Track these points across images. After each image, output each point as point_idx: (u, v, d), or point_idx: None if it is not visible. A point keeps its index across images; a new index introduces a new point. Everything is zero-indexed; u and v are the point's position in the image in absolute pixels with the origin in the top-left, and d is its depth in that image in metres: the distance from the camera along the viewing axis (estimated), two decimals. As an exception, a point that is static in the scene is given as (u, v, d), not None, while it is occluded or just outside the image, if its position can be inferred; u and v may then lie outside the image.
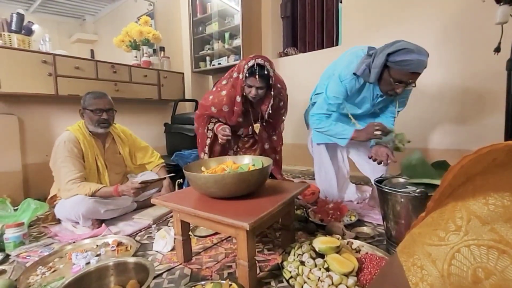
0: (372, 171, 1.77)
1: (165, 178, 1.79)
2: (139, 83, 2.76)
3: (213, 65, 3.19)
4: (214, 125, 1.78)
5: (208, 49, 3.34)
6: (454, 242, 0.34)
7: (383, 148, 1.50)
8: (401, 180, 1.19)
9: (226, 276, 1.03)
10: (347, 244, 1.10)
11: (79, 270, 1.03)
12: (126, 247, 1.26)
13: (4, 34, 2.10)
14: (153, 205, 1.73)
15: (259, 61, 1.51)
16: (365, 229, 1.37)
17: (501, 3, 1.40)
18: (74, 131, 1.60)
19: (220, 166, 1.22)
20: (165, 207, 1.60)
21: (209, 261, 1.14)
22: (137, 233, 1.46)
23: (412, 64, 1.28)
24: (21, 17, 2.17)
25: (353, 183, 1.94)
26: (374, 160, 1.51)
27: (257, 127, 1.74)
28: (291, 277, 0.94)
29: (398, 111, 1.65)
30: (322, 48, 2.96)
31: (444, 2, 2.04)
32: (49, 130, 2.30)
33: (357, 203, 1.80)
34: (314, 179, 1.96)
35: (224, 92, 1.65)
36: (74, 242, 1.33)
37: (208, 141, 1.80)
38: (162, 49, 3.25)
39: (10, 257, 1.23)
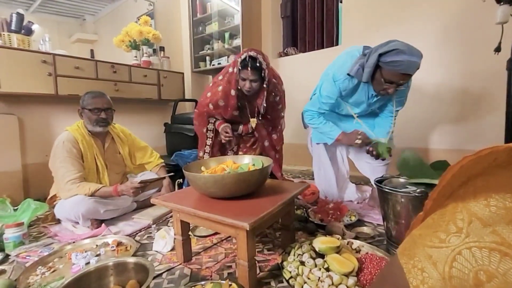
0: (372, 171, 1.77)
1: (164, 177, 1.79)
2: (139, 83, 2.76)
3: (213, 65, 3.19)
4: (213, 125, 1.79)
5: (208, 49, 3.34)
6: (455, 244, 0.34)
7: (355, 131, 1.56)
8: (401, 180, 1.19)
9: (226, 276, 1.03)
10: (347, 244, 1.10)
11: (79, 270, 1.03)
12: (126, 247, 1.26)
13: (4, 34, 2.10)
14: (153, 205, 1.73)
15: (251, 53, 1.53)
16: (365, 229, 1.36)
17: (501, 3, 1.40)
18: (73, 131, 1.60)
19: (220, 166, 1.22)
20: (165, 207, 1.60)
21: (209, 261, 1.14)
22: (137, 233, 1.46)
23: (403, 65, 1.28)
24: (21, 17, 2.17)
25: (353, 183, 1.94)
26: (361, 145, 1.57)
27: (253, 121, 1.76)
28: (291, 277, 0.94)
29: (397, 111, 1.65)
30: (322, 48, 2.95)
31: (444, 2, 2.03)
32: (49, 130, 2.30)
33: (357, 203, 1.79)
34: (314, 179, 1.96)
35: (220, 88, 1.68)
36: (73, 242, 1.33)
37: (209, 141, 1.80)
38: (162, 49, 3.24)
39: (9, 257, 1.23)
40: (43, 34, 2.38)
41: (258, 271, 1.04)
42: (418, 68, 1.32)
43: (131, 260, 0.96)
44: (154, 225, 1.53)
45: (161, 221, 1.61)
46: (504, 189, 0.33)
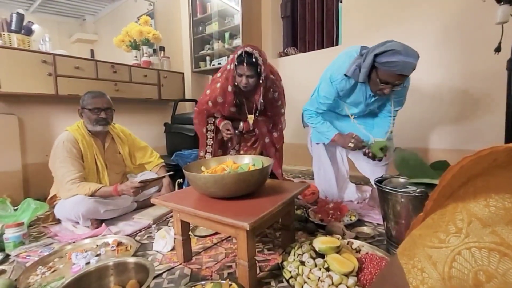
0: (372, 171, 1.77)
1: (164, 177, 1.79)
2: (139, 83, 2.76)
3: (213, 65, 3.19)
4: (213, 125, 1.79)
5: (208, 49, 3.34)
6: (455, 244, 0.34)
7: (349, 134, 1.57)
8: (401, 180, 1.19)
9: (226, 276, 1.03)
10: (347, 244, 1.10)
11: (79, 270, 1.03)
12: (126, 247, 1.26)
13: (4, 34, 2.10)
14: (153, 205, 1.73)
15: (247, 49, 1.53)
16: (365, 229, 1.36)
17: (502, 3, 1.40)
18: (72, 131, 1.60)
19: (220, 166, 1.22)
20: (165, 207, 1.60)
21: (209, 261, 1.14)
22: (137, 233, 1.46)
23: (398, 66, 1.28)
24: (21, 17, 2.17)
25: (353, 183, 1.94)
26: (354, 149, 1.58)
27: (250, 118, 1.76)
28: (291, 277, 0.94)
29: (396, 110, 1.65)
30: (322, 48, 2.95)
31: (444, 2, 2.03)
32: (49, 130, 2.30)
33: (357, 203, 1.79)
34: (314, 179, 1.96)
35: (218, 84, 1.69)
36: (74, 242, 1.33)
37: (210, 142, 1.81)
38: (162, 49, 3.24)
39: (10, 257, 1.23)
40: (43, 34, 2.38)
41: (258, 271, 1.04)
42: (414, 69, 1.32)
43: (131, 260, 0.96)
44: (154, 225, 1.53)
45: (161, 221, 1.61)
46: (503, 190, 0.33)
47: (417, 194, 0.99)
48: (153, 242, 1.29)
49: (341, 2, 2.73)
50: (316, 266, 0.93)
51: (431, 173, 1.06)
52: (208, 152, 1.84)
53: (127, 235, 1.39)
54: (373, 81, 1.43)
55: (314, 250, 1.00)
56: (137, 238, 1.40)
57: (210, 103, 1.73)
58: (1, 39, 2.09)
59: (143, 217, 1.61)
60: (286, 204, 1.05)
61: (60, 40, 3.61)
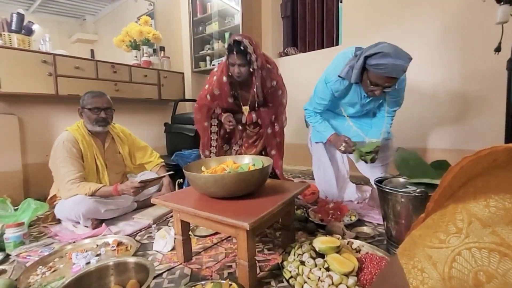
0: (371, 171, 1.77)
1: (164, 176, 1.79)
2: (139, 83, 2.76)
3: (213, 65, 3.19)
4: (216, 120, 1.82)
5: (208, 49, 3.34)
6: (455, 244, 0.34)
7: (342, 137, 1.58)
8: (401, 180, 1.19)
9: (226, 276, 1.03)
10: (347, 244, 1.10)
11: (79, 270, 1.03)
12: (126, 247, 1.26)
13: (4, 34, 2.10)
14: (153, 204, 1.74)
15: (237, 37, 1.54)
16: (365, 229, 1.37)
17: (502, 3, 1.40)
18: (72, 131, 1.61)
19: (220, 166, 1.22)
20: (165, 207, 1.60)
21: (209, 261, 1.14)
22: (137, 233, 1.46)
23: (387, 68, 1.28)
24: (21, 17, 2.17)
25: (353, 183, 1.94)
26: (344, 152, 1.59)
27: (245, 109, 1.78)
28: (291, 277, 0.94)
29: (394, 111, 1.65)
30: (322, 48, 2.96)
31: (444, 2, 2.03)
32: (49, 130, 2.30)
33: (357, 203, 1.79)
34: (314, 178, 1.96)
35: (215, 78, 1.72)
36: (74, 242, 1.33)
37: (214, 143, 1.85)
38: (162, 49, 3.24)
39: (10, 257, 1.23)
40: (43, 34, 2.39)
41: (258, 271, 1.04)
42: (404, 71, 1.32)
43: (132, 260, 0.96)
44: (155, 225, 1.53)
45: (161, 221, 1.61)
46: (503, 190, 0.33)
47: (417, 194, 0.99)
48: (153, 242, 1.29)
49: (341, 2, 2.73)
50: (316, 266, 0.93)
51: (431, 173, 1.06)
52: (213, 153, 1.86)
53: (127, 235, 1.39)
54: (364, 82, 1.44)
55: (314, 250, 1.00)
56: (137, 238, 1.40)
57: (208, 97, 1.75)
58: (1, 39, 2.09)
59: (143, 217, 1.61)
60: (286, 204, 1.05)
61: (60, 40, 3.61)
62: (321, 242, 0.99)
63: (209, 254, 1.20)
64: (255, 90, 1.66)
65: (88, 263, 1.13)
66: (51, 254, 1.21)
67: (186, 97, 3.31)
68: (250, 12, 2.97)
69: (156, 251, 1.24)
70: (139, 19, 3.09)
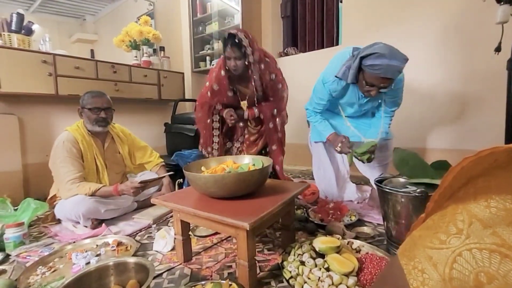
0: (371, 171, 1.77)
1: (164, 176, 1.79)
2: (139, 83, 2.76)
3: (213, 65, 3.16)
4: (218, 115, 1.83)
5: (208, 49, 3.34)
6: (456, 245, 0.34)
7: (340, 137, 1.58)
8: (401, 180, 1.19)
9: (226, 276, 1.03)
10: (347, 244, 1.10)
11: (79, 270, 1.03)
12: (126, 247, 1.26)
13: (4, 34, 2.10)
14: (153, 205, 1.73)
15: (232, 31, 1.56)
16: (365, 229, 1.37)
17: (502, 3, 1.40)
18: (72, 131, 1.61)
19: (220, 166, 1.22)
20: (165, 207, 1.60)
21: (209, 261, 1.14)
22: (137, 233, 1.46)
23: (382, 69, 1.28)
24: (21, 17, 2.16)
25: (353, 183, 1.94)
26: (340, 153, 1.59)
27: (244, 104, 1.78)
28: (291, 277, 0.94)
29: (393, 111, 1.65)
30: (322, 47, 2.95)
31: (444, 2, 2.03)
32: (49, 130, 2.30)
33: (357, 203, 1.79)
34: (314, 178, 1.96)
35: (214, 74, 1.75)
36: (74, 242, 1.33)
37: (216, 132, 1.85)
38: (162, 49, 3.24)
39: (10, 257, 1.23)
40: (43, 34, 2.38)
41: (258, 271, 1.04)
42: (400, 72, 1.31)
43: (132, 260, 0.96)
44: (155, 225, 1.53)
45: (161, 221, 1.61)
46: (504, 191, 0.33)
47: (417, 194, 0.99)
48: (153, 242, 1.29)
49: (341, 2, 2.73)
50: (316, 266, 0.93)
51: (431, 172, 1.06)
52: (215, 143, 1.86)
53: (127, 235, 1.39)
54: (360, 82, 1.44)
55: (314, 250, 1.00)
56: (137, 238, 1.40)
57: (209, 93, 1.76)
58: (1, 39, 2.09)
59: (143, 217, 1.61)
60: (286, 204, 1.05)
61: (60, 40, 3.61)
62: (321, 242, 0.99)
63: (209, 254, 1.20)
64: (253, 83, 1.66)
65: (88, 263, 1.13)
66: (51, 254, 1.21)
67: (186, 97, 3.31)
68: (250, 12, 2.97)
69: (156, 251, 1.24)
70: (139, 19, 3.09)
